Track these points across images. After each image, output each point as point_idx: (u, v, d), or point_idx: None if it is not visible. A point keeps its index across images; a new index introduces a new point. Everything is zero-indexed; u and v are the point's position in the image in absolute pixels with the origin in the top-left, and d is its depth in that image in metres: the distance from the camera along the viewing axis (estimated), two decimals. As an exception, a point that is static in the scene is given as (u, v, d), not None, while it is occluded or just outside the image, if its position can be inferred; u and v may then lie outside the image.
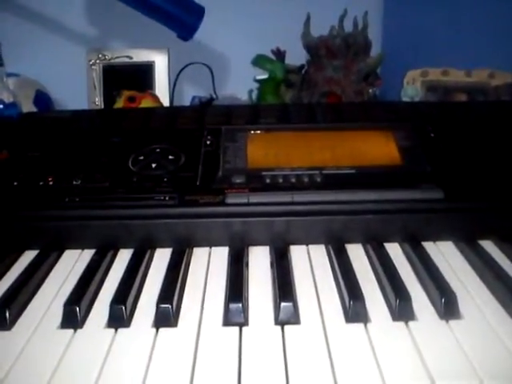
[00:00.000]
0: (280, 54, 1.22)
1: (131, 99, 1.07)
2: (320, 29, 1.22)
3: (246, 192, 0.59)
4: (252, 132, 0.70)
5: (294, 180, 0.60)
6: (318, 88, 1.20)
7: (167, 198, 0.59)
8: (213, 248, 0.57)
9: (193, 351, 0.42)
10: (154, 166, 0.64)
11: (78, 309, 0.45)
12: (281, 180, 0.61)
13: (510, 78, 0.99)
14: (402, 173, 0.63)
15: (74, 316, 0.45)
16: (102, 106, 1.20)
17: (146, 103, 1.07)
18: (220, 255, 0.56)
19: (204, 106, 1.07)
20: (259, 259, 0.55)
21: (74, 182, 0.61)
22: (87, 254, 0.57)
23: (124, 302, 0.46)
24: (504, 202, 0.58)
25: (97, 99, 1.20)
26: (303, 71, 1.24)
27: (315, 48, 1.20)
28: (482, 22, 1.10)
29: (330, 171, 0.62)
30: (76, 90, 1.22)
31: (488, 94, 0.98)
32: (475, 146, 0.66)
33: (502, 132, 0.68)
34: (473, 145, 0.66)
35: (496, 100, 0.97)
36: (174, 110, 0.81)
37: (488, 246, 0.56)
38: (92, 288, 0.49)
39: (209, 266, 0.54)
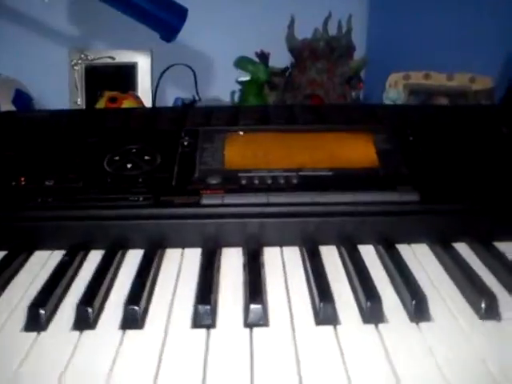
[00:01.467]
0: (264, 57, 1.22)
1: (112, 100, 1.07)
2: (304, 31, 1.22)
3: (221, 193, 0.58)
4: (230, 133, 0.69)
5: (270, 181, 0.60)
6: (301, 90, 1.20)
7: (141, 199, 0.58)
8: (186, 249, 0.57)
9: (158, 353, 0.41)
10: (129, 166, 0.63)
11: (42, 311, 0.44)
12: (257, 181, 0.60)
13: (489, 83, 0.99)
14: (378, 175, 0.62)
15: (38, 318, 0.44)
16: (84, 107, 1.19)
17: (127, 104, 1.06)
18: (193, 257, 0.55)
19: (184, 108, 1.06)
20: (232, 261, 0.54)
21: (47, 183, 0.61)
22: (58, 255, 0.56)
23: (91, 304, 0.45)
24: (479, 204, 0.58)
25: (79, 100, 1.19)
26: (287, 73, 1.24)
27: (299, 50, 1.20)
28: (465, 27, 1.10)
29: (307, 173, 0.62)
30: (58, 90, 1.21)
31: (468, 98, 0.99)
32: (453, 149, 0.66)
33: (480, 136, 0.68)
34: (451, 148, 0.66)
35: (475, 104, 0.98)
36: (152, 111, 0.80)
37: (462, 248, 0.56)
38: (59, 289, 0.49)
39: (180, 267, 0.53)
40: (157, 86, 1.21)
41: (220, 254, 0.56)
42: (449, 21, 1.14)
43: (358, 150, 0.66)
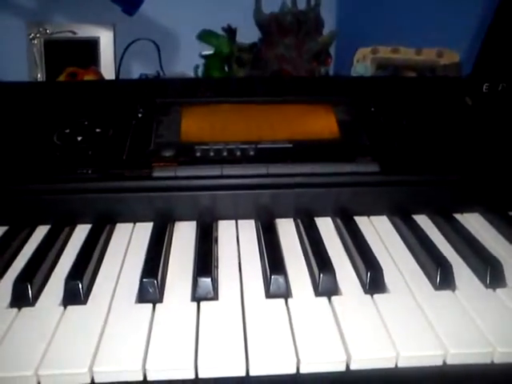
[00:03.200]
0: (231, 32, 1.18)
1: (73, 75, 1.03)
2: (272, 5, 1.19)
3: (175, 166, 0.56)
4: (188, 105, 0.67)
5: (225, 153, 0.58)
6: (269, 66, 1.17)
7: (90, 172, 0.55)
8: (137, 224, 0.54)
9: (100, 329, 0.39)
10: (79, 139, 0.60)
11: (-24, 288, 0.42)
12: (212, 154, 0.58)
13: (457, 58, 0.98)
14: (338, 146, 0.61)
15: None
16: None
17: (88, 79, 1.02)
18: (143, 231, 0.53)
19: (140, 80, 1.03)
20: (184, 235, 0.52)
21: (-8, 156, 0.58)
22: (1, 231, 0.53)
23: (30, 280, 0.43)
24: (439, 175, 0.57)
25: (39, 75, 1.15)
26: (255, 49, 1.21)
27: (266, 25, 1.17)
28: (433, 2, 1.09)
29: (265, 145, 0.60)
30: (16, 65, 1.16)
31: (436, 72, 0.97)
32: (415, 120, 0.65)
33: (443, 107, 0.67)
34: (413, 119, 0.65)
35: (437, 76, 0.97)
36: (108, 84, 0.77)
37: (422, 219, 0.55)
38: (-1, 266, 0.46)
39: (130, 242, 0.51)
40: (120, 62, 1.17)
41: (173, 228, 0.54)
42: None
43: (318, 122, 0.65)
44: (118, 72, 1.16)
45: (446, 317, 0.40)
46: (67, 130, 0.61)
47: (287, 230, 0.53)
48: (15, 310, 0.41)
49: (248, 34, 1.21)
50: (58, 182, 0.54)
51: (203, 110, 0.67)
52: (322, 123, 0.64)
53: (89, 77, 1.04)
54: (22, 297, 0.42)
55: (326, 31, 1.20)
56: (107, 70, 1.15)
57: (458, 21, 1.04)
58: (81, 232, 0.53)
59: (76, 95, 0.69)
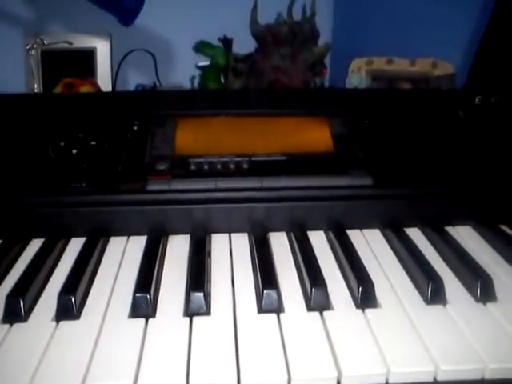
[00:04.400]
0: (227, 42, 1.19)
1: (69, 86, 1.03)
2: (268, 16, 1.20)
3: (169, 178, 0.56)
4: (183, 118, 0.67)
5: (219, 166, 0.58)
6: (265, 77, 1.17)
7: (84, 185, 0.55)
8: (131, 237, 0.55)
9: (92, 345, 0.39)
10: (74, 152, 0.60)
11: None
12: (206, 166, 0.58)
13: (451, 69, 0.99)
14: (332, 159, 0.61)
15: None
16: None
17: (84, 90, 1.03)
18: (137, 245, 0.53)
19: (135, 92, 1.04)
20: (178, 248, 0.53)
21: (-13, 169, 0.58)
22: (-3, 245, 0.53)
23: (23, 295, 0.43)
24: (432, 189, 0.57)
25: (35, 86, 1.15)
26: (251, 60, 1.22)
27: (262, 36, 1.17)
28: (428, 13, 1.10)
29: (259, 158, 0.60)
30: (14, 76, 1.16)
31: (430, 83, 0.98)
32: (409, 133, 0.65)
33: (436, 120, 0.67)
34: (406, 132, 0.65)
35: (433, 88, 0.97)
36: (104, 96, 0.77)
37: (414, 233, 0.55)
38: (-8, 280, 0.46)
39: (123, 256, 0.51)
40: (117, 72, 1.18)
41: (166, 242, 0.54)
42: (412, 7, 1.13)
43: (312, 135, 0.65)
44: (114, 82, 1.17)
45: (437, 332, 0.40)
46: (62, 143, 0.62)
47: (280, 244, 0.53)
48: (7, 325, 0.41)
49: (244, 45, 1.22)
50: (52, 195, 0.54)
51: (198, 123, 0.67)
52: (316, 136, 0.65)
53: (85, 87, 1.04)
54: (15, 312, 0.42)
55: (321, 42, 1.21)
56: (104, 80, 1.16)
57: (452, 32, 1.04)
58: (75, 245, 0.53)
59: (72, 108, 0.69)
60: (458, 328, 0.40)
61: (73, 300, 0.42)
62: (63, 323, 0.42)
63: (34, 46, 1.13)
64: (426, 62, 1.01)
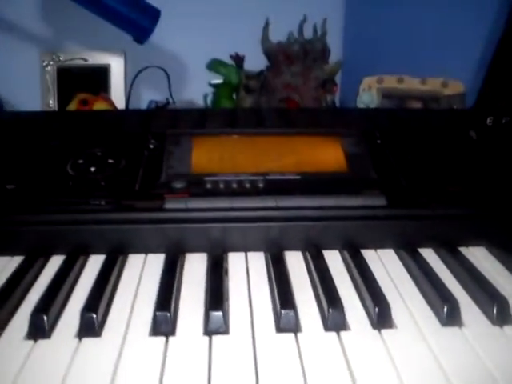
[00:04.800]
0: (239, 59, 1.21)
1: (84, 102, 1.05)
2: (279, 34, 1.22)
3: (186, 197, 0.57)
4: (198, 136, 0.68)
5: (235, 185, 0.59)
6: (276, 94, 1.19)
7: (103, 203, 0.57)
8: (149, 255, 0.55)
9: (114, 362, 0.40)
10: (92, 169, 0.62)
11: (-6, 319, 0.43)
12: (222, 185, 0.59)
13: (461, 88, 1.00)
14: (346, 179, 0.62)
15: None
16: (56, 109, 1.17)
17: (98, 106, 1.05)
18: (155, 262, 0.54)
19: (151, 110, 1.05)
20: (195, 266, 0.53)
21: (8, 186, 0.59)
22: (18, 261, 0.54)
23: (46, 312, 0.44)
24: (445, 209, 0.58)
25: (51, 102, 1.17)
26: (262, 77, 1.23)
27: (274, 54, 1.20)
28: (438, 31, 1.11)
29: (274, 177, 0.61)
30: (30, 92, 1.19)
31: (440, 102, 0.99)
32: (421, 153, 0.66)
33: (448, 140, 0.68)
34: (418, 152, 0.66)
35: (444, 108, 0.98)
36: (120, 113, 0.79)
37: (428, 253, 0.56)
38: (15, 297, 0.47)
39: (142, 273, 0.52)
40: (130, 89, 1.20)
41: (184, 260, 0.55)
42: (423, 25, 1.15)
43: (326, 154, 0.66)
44: (128, 98, 1.18)
45: (454, 354, 0.40)
46: (80, 161, 0.63)
47: (296, 263, 0.54)
48: (31, 341, 0.42)
49: (255, 62, 1.24)
50: (72, 213, 0.55)
51: (213, 141, 0.68)
52: (329, 155, 0.66)
53: (99, 103, 1.06)
54: (39, 328, 0.43)
55: (332, 60, 1.23)
56: (117, 96, 1.18)
57: (462, 51, 1.06)
58: (94, 262, 0.54)
59: (88, 125, 0.71)
60: (474, 350, 0.41)
61: (95, 317, 0.43)
62: (85, 340, 0.42)
63: (51, 62, 1.15)
64: (436, 81, 1.02)
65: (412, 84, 1.03)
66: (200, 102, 1.19)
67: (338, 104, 1.24)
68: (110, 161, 0.63)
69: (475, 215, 0.58)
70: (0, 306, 0.45)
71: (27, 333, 0.43)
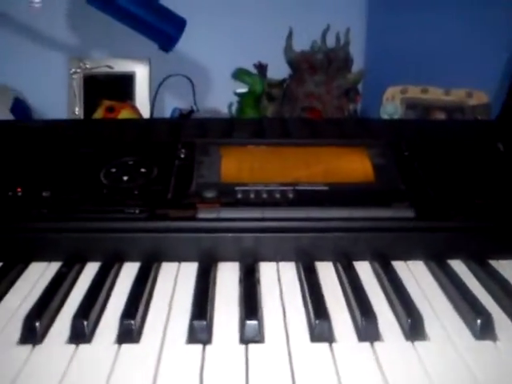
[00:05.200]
0: (262, 68, 1.22)
1: (110, 109, 1.07)
2: (302, 43, 1.23)
3: (217, 207, 0.58)
4: (227, 146, 0.69)
5: (265, 196, 0.60)
6: (299, 103, 1.20)
7: (137, 212, 0.58)
8: (182, 263, 0.57)
9: (154, 368, 0.41)
10: (125, 178, 0.63)
11: (37, 323, 0.44)
12: (252, 195, 0.60)
13: (486, 98, 1.00)
14: (374, 191, 0.63)
15: (33, 331, 0.44)
16: (82, 116, 1.20)
17: (124, 114, 1.06)
18: (188, 271, 0.55)
19: (180, 119, 1.07)
20: (228, 275, 0.54)
21: (44, 194, 0.61)
22: (55, 267, 0.56)
23: (87, 317, 0.45)
24: (474, 221, 0.58)
25: (77, 109, 1.19)
26: (285, 85, 1.25)
27: (297, 63, 1.20)
28: (462, 41, 1.11)
29: (302, 187, 0.62)
30: (56, 99, 1.21)
31: (465, 112, 0.99)
32: (448, 165, 0.66)
33: (476, 152, 0.69)
34: (446, 164, 0.67)
35: (470, 119, 0.98)
36: (149, 122, 0.80)
37: (457, 265, 0.56)
38: (55, 302, 0.48)
39: (176, 281, 0.53)
40: (155, 96, 1.22)
41: (216, 269, 0.56)
42: (447, 35, 1.15)
43: (353, 165, 0.67)
44: (152, 106, 1.20)
45: (488, 368, 0.41)
46: (113, 170, 0.64)
47: (327, 273, 0.55)
48: (73, 346, 0.43)
49: (278, 70, 1.25)
50: (108, 221, 0.57)
51: (241, 151, 0.69)
52: (357, 166, 0.67)
53: (125, 111, 1.08)
54: (80, 333, 0.44)
55: (354, 69, 1.23)
56: (142, 103, 1.19)
57: (487, 61, 1.06)
58: (129, 269, 0.55)
59: (118, 133, 0.73)
60: (509, 366, 0.41)
61: (133, 324, 0.44)
62: (125, 346, 0.44)
63: (78, 70, 1.17)
64: (460, 92, 1.03)
65: (436, 94, 1.04)
66: (224, 111, 1.20)
67: (359, 113, 1.25)
68: (142, 170, 0.64)
69: (505, 228, 0.58)
70: (42, 312, 0.46)
71: (69, 337, 0.44)
